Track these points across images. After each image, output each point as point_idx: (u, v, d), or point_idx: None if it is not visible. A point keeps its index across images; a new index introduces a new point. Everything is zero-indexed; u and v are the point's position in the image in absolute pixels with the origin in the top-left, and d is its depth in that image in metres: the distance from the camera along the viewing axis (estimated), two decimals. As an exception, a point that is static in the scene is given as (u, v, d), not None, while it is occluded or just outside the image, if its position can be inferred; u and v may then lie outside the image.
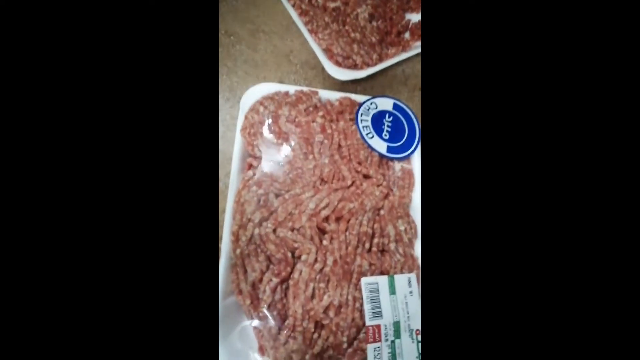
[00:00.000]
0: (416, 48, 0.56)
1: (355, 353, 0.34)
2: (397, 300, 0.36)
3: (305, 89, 0.46)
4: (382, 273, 0.37)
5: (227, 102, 0.48)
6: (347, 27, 0.54)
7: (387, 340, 0.34)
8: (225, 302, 0.34)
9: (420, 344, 0.35)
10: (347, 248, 0.37)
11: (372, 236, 0.38)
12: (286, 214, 0.37)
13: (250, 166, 0.40)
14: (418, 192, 0.43)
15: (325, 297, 0.34)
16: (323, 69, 0.51)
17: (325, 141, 0.42)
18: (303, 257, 0.35)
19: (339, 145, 0.42)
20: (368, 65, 0.52)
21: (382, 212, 0.40)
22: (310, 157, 0.41)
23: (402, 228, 0.39)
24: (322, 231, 0.38)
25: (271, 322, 0.34)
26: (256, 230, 0.36)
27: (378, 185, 0.41)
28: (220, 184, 0.43)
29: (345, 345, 0.34)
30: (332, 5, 0.56)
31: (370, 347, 0.33)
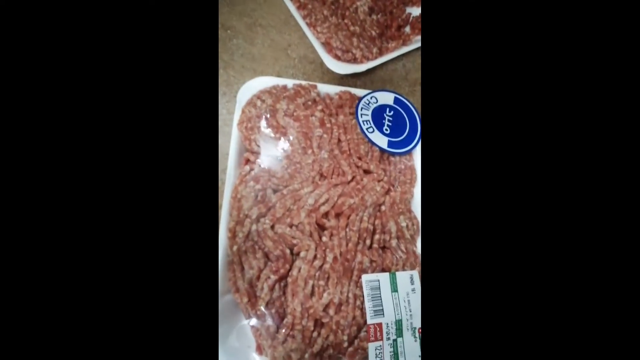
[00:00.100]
0: (417, 42, 0.55)
1: (356, 352, 0.33)
2: (399, 298, 0.35)
3: (303, 82, 0.45)
4: (383, 270, 0.36)
5: (224, 96, 0.47)
6: (346, 21, 0.53)
7: (388, 338, 0.33)
8: (221, 300, 0.33)
9: (421, 342, 0.34)
10: (347, 244, 0.36)
11: (373, 232, 0.38)
12: (284, 210, 0.36)
13: (248, 161, 0.39)
14: (420, 187, 0.42)
15: (325, 294, 0.33)
16: (322, 63, 0.50)
17: (325, 135, 0.41)
18: (302, 254, 0.34)
19: (339, 140, 0.41)
20: (368, 59, 0.51)
21: (383, 207, 0.39)
22: (309, 151, 0.40)
23: (403, 224, 0.38)
24: (321, 227, 0.37)
25: (269, 320, 0.33)
26: (253, 227, 0.35)
27: (379, 181, 0.40)
28: (217, 180, 0.43)
29: (345, 344, 0.33)
30: (330, -2, 0.55)
31: (371, 346, 0.32)
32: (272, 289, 0.33)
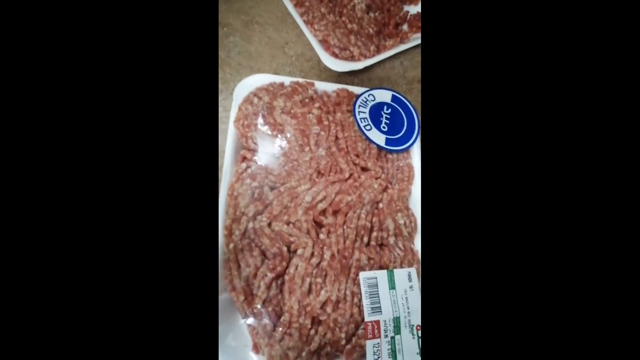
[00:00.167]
0: (414, 40, 0.55)
1: (353, 350, 0.32)
2: (396, 295, 0.34)
3: (301, 80, 0.45)
4: (381, 267, 0.36)
5: (220, 93, 0.47)
6: (343, 18, 0.52)
7: (386, 336, 0.33)
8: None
9: (421, 340, 0.33)
10: (345, 242, 0.35)
11: (371, 230, 0.37)
12: (281, 207, 0.36)
13: (244, 158, 0.39)
14: (418, 185, 0.42)
15: (323, 292, 0.33)
16: (319, 61, 0.50)
17: (322, 133, 0.41)
18: (299, 252, 0.34)
19: (336, 137, 0.41)
20: (365, 57, 0.51)
21: (380, 205, 0.39)
22: (307, 149, 0.39)
23: (401, 222, 0.38)
24: (319, 225, 0.37)
25: (266, 318, 0.32)
26: (250, 224, 0.35)
27: (377, 178, 0.40)
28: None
29: (343, 342, 0.32)
30: (328, -4, 0.55)
31: (369, 344, 0.32)
32: (269, 287, 0.33)
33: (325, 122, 0.41)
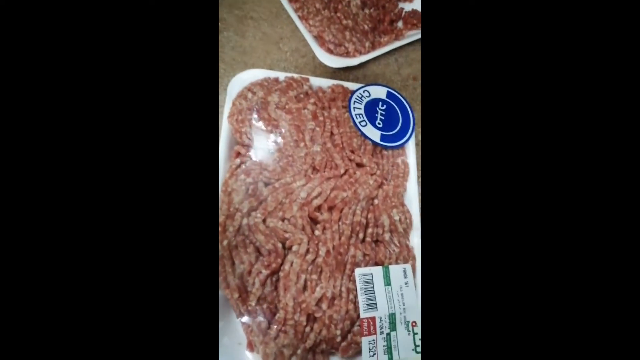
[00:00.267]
0: (409, 37, 0.55)
1: (349, 346, 0.32)
2: (392, 292, 0.34)
3: (295, 75, 0.44)
4: (376, 264, 0.36)
5: (214, 89, 0.46)
6: (338, 14, 0.52)
7: (382, 332, 0.33)
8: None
9: (416, 336, 0.33)
10: (340, 238, 0.35)
11: (366, 226, 0.37)
12: (276, 204, 0.35)
13: (238, 154, 0.38)
14: (413, 181, 0.42)
15: (318, 289, 0.33)
16: (314, 57, 0.50)
17: (317, 129, 0.40)
18: (294, 248, 0.34)
19: (332, 133, 0.41)
20: (360, 53, 0.50)
21: (376, 201, 0.39)
22: (302, 144, 0.39)
23: (396, 218, 0.38)
24: (314, 221, 0.36)
25: (261, 316, 0.32)
26: (244, 221, 0.34)
27: (372, 174, 0.40)
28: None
29: (339, 339, 0.32)
30: (323, -9, 0.55)
31: (365, 340, 0.32)
32: (263, 284, 0.33)
33: (321, 118, 0.41)
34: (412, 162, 0.43)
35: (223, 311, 0.33)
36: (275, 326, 0.31)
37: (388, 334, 0.33)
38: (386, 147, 0.42)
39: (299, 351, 0.31)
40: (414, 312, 0.34)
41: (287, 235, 0.34)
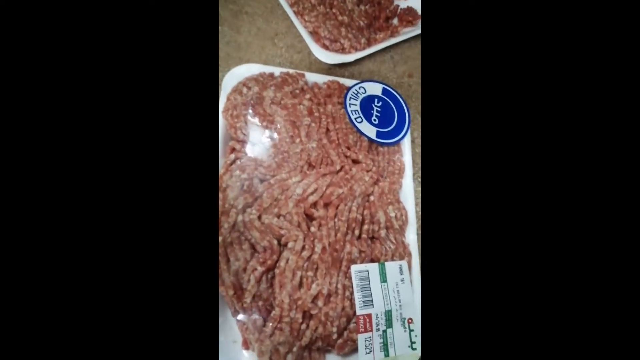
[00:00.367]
0: (405, 34, 0.54)
1: (345, 344, 0.32)
2: (388, 289, 0.34)
3: (291, 71, 0.44)
4: (372, 260, 0.35)
5: (208, 84, 0.46)
6: (334, 10, 0.52)
7: (378, 329, 0.32)
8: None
9: (412, 333, 0.33)
10: (336, 235, 0.35)
11: (362, 223, 0.37)
12: (272, 200, 0.35)
13: (233, 150, 0.38)
14: (408, 178, 0.42)
15: (314, 285, 0.32)
16: (309, 52, 0.49)
17: (313, 124, 0.40)
18: (290, 245, 0.33)
19: (327, 129, 0.41)
20: (356, 50, 0.50)
21: (372, 198, 0.39)
22: (297, 140, 0.39)
23: (392, 214, 0.38)
24: (309, 217, 0.36)
25: (256, 313, 0.32)
26: (239, 217, 0.34)
27: (367, 171, 0.40)
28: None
29: (335, 336, 0.32)
30: (318, -13, 0.54)
31: (361, 337, 0.32)
32: (258, 281, 0.32)
33: (316, 114, 0.40)
34: (408, 159, 0.43)
35: (219, 308, 0.32)
36: (271, 324, 0.31)
37: (384, 331, 0.33)
38: (382, 144, 0.42)
39: (294, 349, 0.31)
40: (410, 309, 0.34)
41: (282, 231, 0.34)
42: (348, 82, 0.45)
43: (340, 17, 0.51)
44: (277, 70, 0.43)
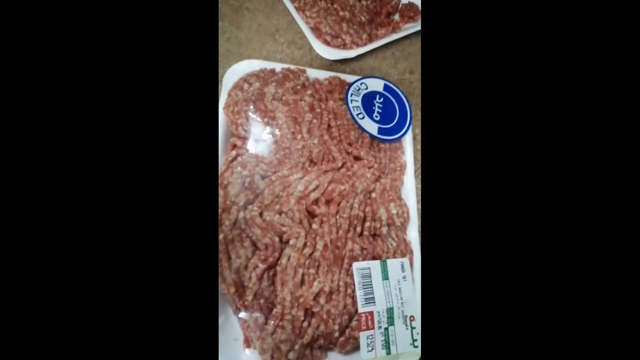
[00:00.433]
0: (406, 30, 0.54)
1: (347, 342, 0.32)
2: (390, 286, 0.34)
3: (292, 67, 0.43)
4: (374, 258, 0.35)
5: (209, 80, 0.45)
6: (335, 6, 0.51)
7: (380, 327, 0.32)
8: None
9: (414, 331, 0.33)
10: (337, 232, 0.35)
11: (364, 220, 0.37)
12: (273, 197, 0.35)
13: (234, 146, 0.37)
14: (410, 175, 0.42)
15: (316, 283, 0.32)
16: (310, 48, 0.49)
17: (314, 121, 0.39)
18: (291, 242, 0.33)
19: (329, 126, 0.40)
20: (357, 45, 0.50)
21: (373, 195, 0.38)
22: (299, 137, 0.38)
23: (394, 211, 0.38)
24: (311, 214, 0.36)
25: (257, 311, 0.31)
26: (241, 214, 0.34)
27: (369, 168, 0.39)
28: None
29: (336, 334, 0.32)
30: (319, -18, 0.54)
31: (363, 335, 0.32)
32: (260, 278, 0.32)
33: (318, 110, 0.40)
34: (409, 156, 0.43)
35: (219, 306, 0.32)
36: (273, 321, 0.31)
37: (386, 329, 0.32)
38: (383, 141, 0.42)
39: (296, 347, 0.31)
40: (412, 307, 0.34)
41: (284, 228, 0.34)
42: (349, 78, 0.45)
43: (341, 13, 0.51)
44: (278, 66, 0.43)
